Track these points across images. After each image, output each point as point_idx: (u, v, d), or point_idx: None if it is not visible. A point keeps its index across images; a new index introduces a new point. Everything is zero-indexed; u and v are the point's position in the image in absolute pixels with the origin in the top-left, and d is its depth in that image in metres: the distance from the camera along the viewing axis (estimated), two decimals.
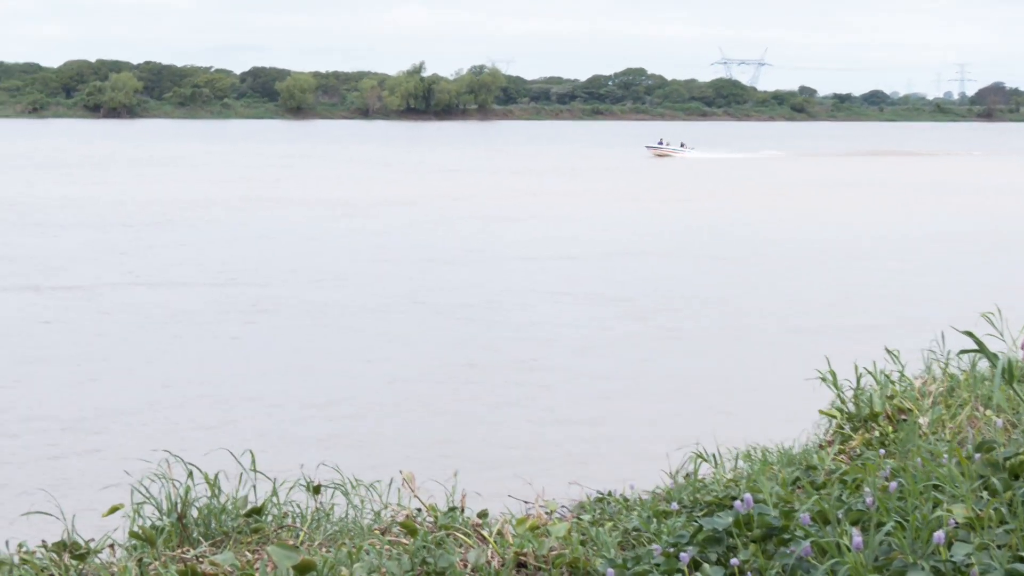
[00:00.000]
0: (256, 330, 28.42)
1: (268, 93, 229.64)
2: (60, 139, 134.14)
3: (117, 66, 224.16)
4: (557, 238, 46.59)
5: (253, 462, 8.43)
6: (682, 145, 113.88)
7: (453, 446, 18.90)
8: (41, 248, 41.78)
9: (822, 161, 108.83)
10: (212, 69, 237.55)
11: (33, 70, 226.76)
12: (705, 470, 10.00)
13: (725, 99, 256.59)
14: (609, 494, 9.50)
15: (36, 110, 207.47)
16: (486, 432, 19.93)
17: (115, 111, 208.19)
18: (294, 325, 28.94)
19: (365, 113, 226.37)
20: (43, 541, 7.51)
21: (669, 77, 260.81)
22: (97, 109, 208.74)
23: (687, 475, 9.75)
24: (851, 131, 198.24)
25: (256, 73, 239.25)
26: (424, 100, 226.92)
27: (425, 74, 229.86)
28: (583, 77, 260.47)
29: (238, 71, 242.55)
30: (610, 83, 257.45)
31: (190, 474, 8.11)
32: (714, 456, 10.01)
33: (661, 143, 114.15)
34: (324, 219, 52.93)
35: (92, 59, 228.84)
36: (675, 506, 8.10)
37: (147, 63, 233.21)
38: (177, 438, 18.85)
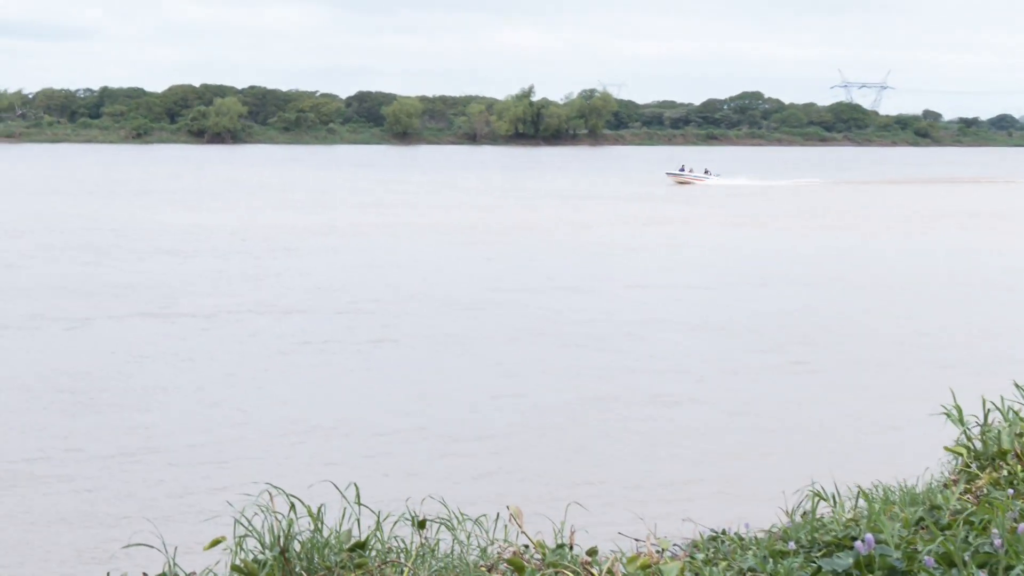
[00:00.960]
0: (374, 359, 28.59)
1: (374, 118, 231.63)
2: (168, 165, 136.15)
3: (222, 91, 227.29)
4: (679, 266, 46.50)
5: (357, 495, 8.46)
6: (706, 172, 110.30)
7: (563, 479, 18.88)
8: (163, 275, 42.41)
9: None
10: (317, 93, 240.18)
11: (137, 95, 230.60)
12: (823, 509, 9.90)
13: (845, 124, 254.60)
14: (723, 532, 9.42)
15: (140, 135, 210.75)
16: (598, 465, 19.87)
17: (219, 136, 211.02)
18: (412, 354, 29.09)
19: (472, 138, 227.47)
20: (144, 574, 7.60)
21: (787, 101, 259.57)
22: (201, 134, 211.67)
23: (804, 513, 9.65)
24: (972, 156, 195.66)
25: (362, 97, 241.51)
26: (533, 125, 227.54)
27: (534, 98, 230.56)
28: (697, 101, 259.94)
29: (343, 95, 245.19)
30: (725, 107, 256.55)
31: (292, 507, 8.15)
32: (833, 495, 9.91)
33: (683, 170, 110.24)
34: (441, 246, 53.23)
35: (196, 83, 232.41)
36: (792, 546, 8.02)
37: (252, 87, 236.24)
38: (282, 469, 19.02)
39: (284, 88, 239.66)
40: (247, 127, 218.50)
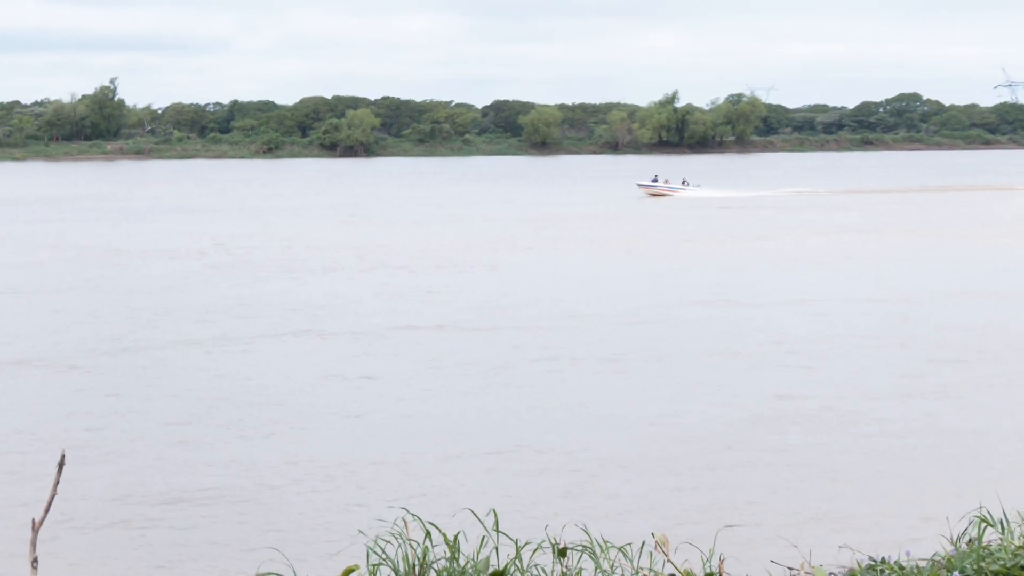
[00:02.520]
0: (532, 379, 28.58)
1: (511, 127, 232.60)
2: (304, 180, 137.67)
3: (354, 102, 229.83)
4: (843, 279, 46.05)
5: (496, 521, 8.45)
6: (684, 183, 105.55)
7: (713, 504, 18.71)
8: (328, 294, 42.87)
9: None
10: (452, 103, 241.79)
11: (268, 108, 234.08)
12: (991, 536, 9.70)
13: (1010, 125, 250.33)
14: (883, 561, 9.28)
15: (271, 150, 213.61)
16: (750, 489, 19.67)
17: (351, 149, 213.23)
18: (571, 373, 29.02)
19: (614, 147, 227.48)
20: None
21: (946, 102, 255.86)
22: (333, 148, 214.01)
23: (970, 541, 9.47)
24: None
25: (498, 107, 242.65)
26: (677, 132, 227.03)
27: (678, 104, 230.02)
28: (851, 104, 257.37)
29: (479, 105, 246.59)
30: (881, 110, 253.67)
31: (428, 534, 8.17)
32: (1001, 521, 9.70)
33: (655, 180, 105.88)
34: (601, 260, 53.21)
35: (328, 96, 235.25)
36: (957, 575, 7.88)
37: (384, 99, 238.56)
38: (420, 493, 19.08)
39: (418, 99, 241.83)
40: (380, 139, 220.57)
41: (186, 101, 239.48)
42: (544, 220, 76.26)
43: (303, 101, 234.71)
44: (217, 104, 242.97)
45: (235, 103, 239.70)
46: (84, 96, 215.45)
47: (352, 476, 20.75)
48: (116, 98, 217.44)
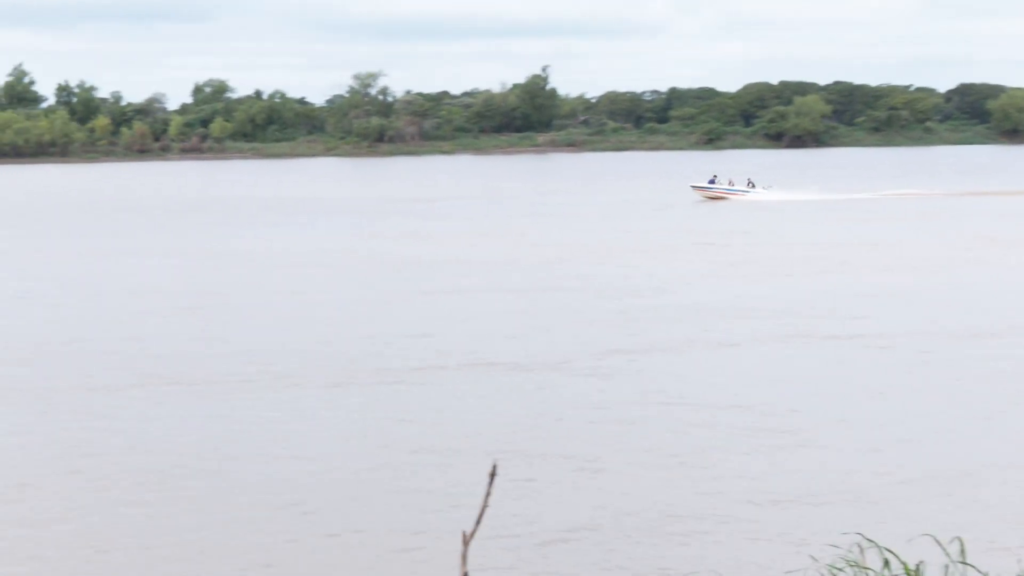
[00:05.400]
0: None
1: (978, 113, 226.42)
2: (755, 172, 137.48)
3: (802, 88, 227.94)
4: None
5: (962, 551, 8.32)
6: (751, 184, 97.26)
7: None
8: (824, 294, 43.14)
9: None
10: (911, 88, 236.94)
11: (708, 96, 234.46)
12: None
13: None
14: None
15: (711, 140, 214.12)
16: None
17: (799, 139, 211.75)
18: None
19: None
20: None
21: None
22: (779, 138, 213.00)
23: None
24: None
25: (963, 91, 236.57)
26: None
27: None
28: None
29: (941, 88, 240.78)
30: None
31: (886, 563, 8.10)
32: None
33: (713, 182, 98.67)
34: None
35: (774, 81, 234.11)
36: None
37: (836, 84, 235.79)
38: (877, 517, 18.92)
39: (872, 83, 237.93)
40: (830, 128, 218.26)
41: (621, 89, 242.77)
42: None
43: (746, 87, 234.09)
44: (654, 92, 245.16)
45: (673, 90, 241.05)
46: (515, 85, 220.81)
47: (806, 497, 20.75)
48: (548, 87, 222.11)
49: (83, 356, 34.00)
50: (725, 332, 36.06)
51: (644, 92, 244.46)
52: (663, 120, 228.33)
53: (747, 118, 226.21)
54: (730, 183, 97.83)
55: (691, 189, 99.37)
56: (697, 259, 54.75)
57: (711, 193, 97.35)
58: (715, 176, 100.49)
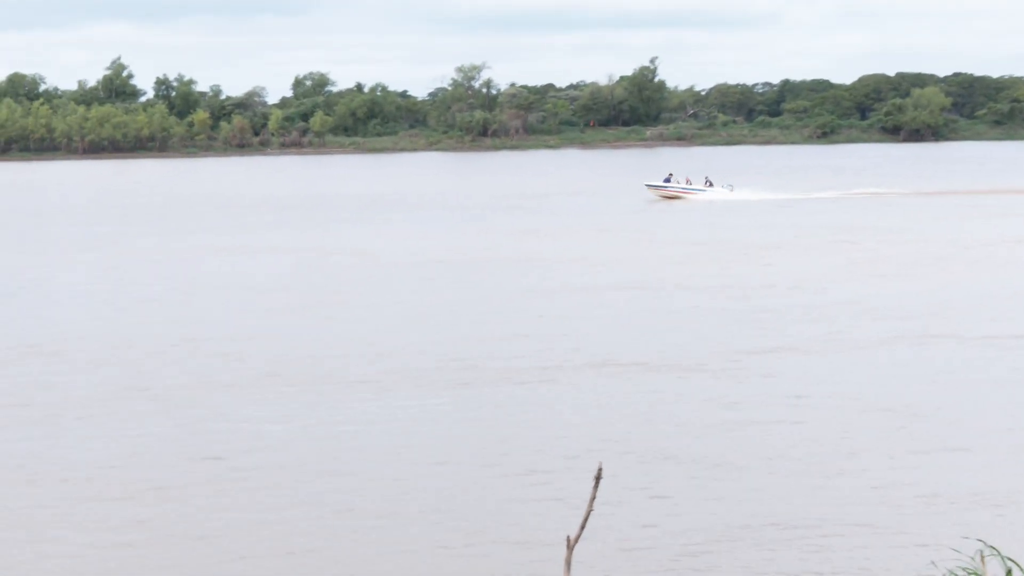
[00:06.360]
0: None
1: None
2: (867, 168, 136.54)
3: (920, 80, 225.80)
4: None
5: None
6: (708, 183, 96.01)
7: None
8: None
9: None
10: None
11: (822, 88, 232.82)
12: None
13: None
14: None
15: (825, 134, 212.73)
16: None
17: (917, 133, 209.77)
18: None
19: None
20: None
21: None
22: (896, 131, 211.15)
23: None
24: None
25: None
26: None
27: None
28: None
29: None
30: None
31: (1008, 572, 8.46)
32: None
33: (668, 180, 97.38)
34: None
35: (891, 73, 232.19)
36: None
37: (955, 75, 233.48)
38: (1002, 526, 19.27)
39: (994, 74, 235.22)
40: (950, 122, 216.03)
41: (731, 81, 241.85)
42: None
43: (862, 79, 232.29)
44: (766, 84, 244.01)
45: (786, 83, 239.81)
46: (622, 78, 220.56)
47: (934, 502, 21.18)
48: (656, 79, 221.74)
49: (215, 356, 34.87)
50: (859, 331, 36.45)
51: (756, 84, 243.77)
52: (775, 113, 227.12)
53: (863, 111, 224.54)
54: (687, 182, 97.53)
55: (645, 188, 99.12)
56: (826, 257, 55.00)
57: (666, 192, 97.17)
58: (671, 174, 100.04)
